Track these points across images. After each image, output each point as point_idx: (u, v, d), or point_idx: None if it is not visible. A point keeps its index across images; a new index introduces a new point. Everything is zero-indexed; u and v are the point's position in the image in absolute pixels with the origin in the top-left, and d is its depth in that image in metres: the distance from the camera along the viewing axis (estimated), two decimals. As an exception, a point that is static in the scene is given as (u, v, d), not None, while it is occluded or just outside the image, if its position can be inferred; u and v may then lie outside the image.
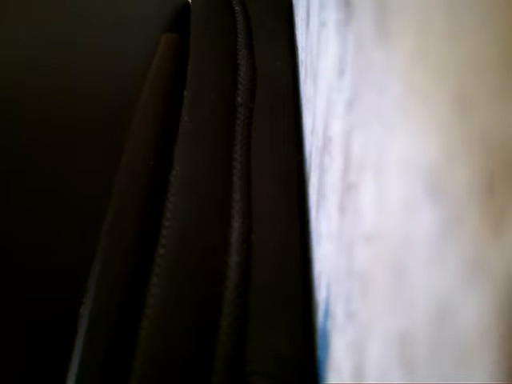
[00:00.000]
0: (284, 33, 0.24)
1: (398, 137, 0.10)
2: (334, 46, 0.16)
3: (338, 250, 0.13)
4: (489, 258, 0.07)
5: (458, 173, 0.07)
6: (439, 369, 0.08)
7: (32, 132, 0.26)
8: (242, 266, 0.16)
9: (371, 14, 0.12)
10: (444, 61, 0.08)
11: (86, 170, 0.25)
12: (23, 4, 0.30)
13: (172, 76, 0.23)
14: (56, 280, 0.22)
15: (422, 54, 0.09)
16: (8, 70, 0.28)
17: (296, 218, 0.17)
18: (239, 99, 0.21)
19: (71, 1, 0.31)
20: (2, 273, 0.22)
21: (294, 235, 0.17)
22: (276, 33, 0.24)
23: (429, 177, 0.08)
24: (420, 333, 0.08)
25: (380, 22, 0.11)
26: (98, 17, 0.30)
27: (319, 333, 0.15)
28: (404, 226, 0.09)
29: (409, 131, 0.09)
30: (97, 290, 0.16)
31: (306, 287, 0.16)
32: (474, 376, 0.07)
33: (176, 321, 0.15)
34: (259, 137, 0.20)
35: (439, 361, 0.08)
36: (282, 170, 0.19)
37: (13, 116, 0.26)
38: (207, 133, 0.20)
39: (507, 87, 0.06)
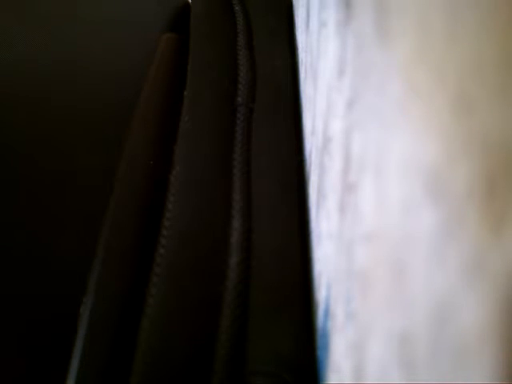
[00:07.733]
0: (284, 33, 0.24)
1: (398, 137, 0.10)
2: (333, 46, 0.16)
3: (338, 249, 0.13)
4: (489, 258, 0.07)
5: (458, 173, 0.07)
6: (439, 369, 0.08)
7: (32, 132, 0.26)
8: (241, 266, 0.16)
9: (371, 14, 0.12)
10: (444, 61, 0.08)
11: (86, 170, 0.25)
12: (23, 4, 0.30)
13: (172, 76, 0.23)
14: (56, 280, 0.22)
15: (422, 53, 0.09)
16: (8, 69, 0.28)
17: (296, 217, 0.17)
18: (239, 99, 0.21)
19: (71, 1, 0.31)
20: (2, 273, 0.22)
21: (294, 235, 0.17)
22: (276, 33, 0.24)
23: (429, 177, 0.08)
24: (420, 333, 0.08)
25: (380, 22, 0.11)
26: (98, 17, 0.30)
27: (319, 333, 0.15)
28: (404, 225, 0.09)
29: (409, 131, 0.09)
30: (97, 290, 0.16)
31: (305, 287, 0.16)
32: (473, 376, 0.07)
33: (176, 321, 0.15)
34: (259, 137, 0.20)
35: (439, 361, 0.08)
36: (282, 169, 0.19)
37: (12, 116, 0.26)
38: (207, 133, 0.20)
39: (507, 87, 0.06)
